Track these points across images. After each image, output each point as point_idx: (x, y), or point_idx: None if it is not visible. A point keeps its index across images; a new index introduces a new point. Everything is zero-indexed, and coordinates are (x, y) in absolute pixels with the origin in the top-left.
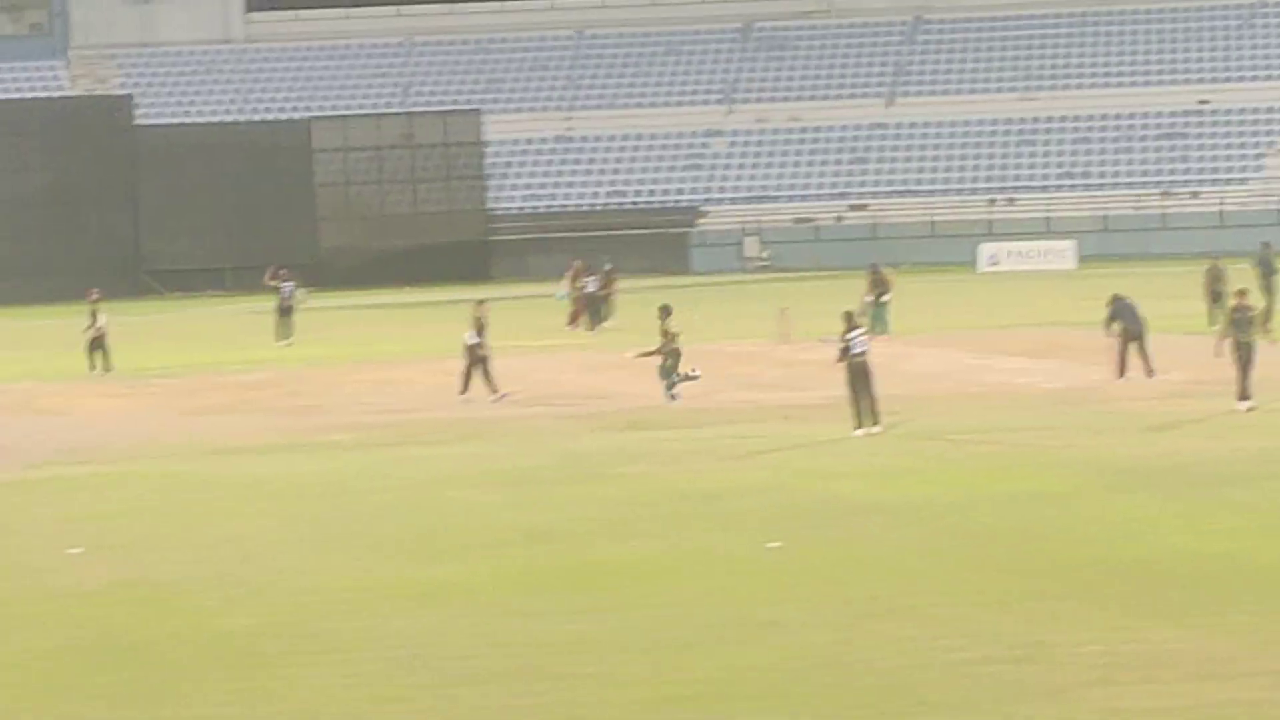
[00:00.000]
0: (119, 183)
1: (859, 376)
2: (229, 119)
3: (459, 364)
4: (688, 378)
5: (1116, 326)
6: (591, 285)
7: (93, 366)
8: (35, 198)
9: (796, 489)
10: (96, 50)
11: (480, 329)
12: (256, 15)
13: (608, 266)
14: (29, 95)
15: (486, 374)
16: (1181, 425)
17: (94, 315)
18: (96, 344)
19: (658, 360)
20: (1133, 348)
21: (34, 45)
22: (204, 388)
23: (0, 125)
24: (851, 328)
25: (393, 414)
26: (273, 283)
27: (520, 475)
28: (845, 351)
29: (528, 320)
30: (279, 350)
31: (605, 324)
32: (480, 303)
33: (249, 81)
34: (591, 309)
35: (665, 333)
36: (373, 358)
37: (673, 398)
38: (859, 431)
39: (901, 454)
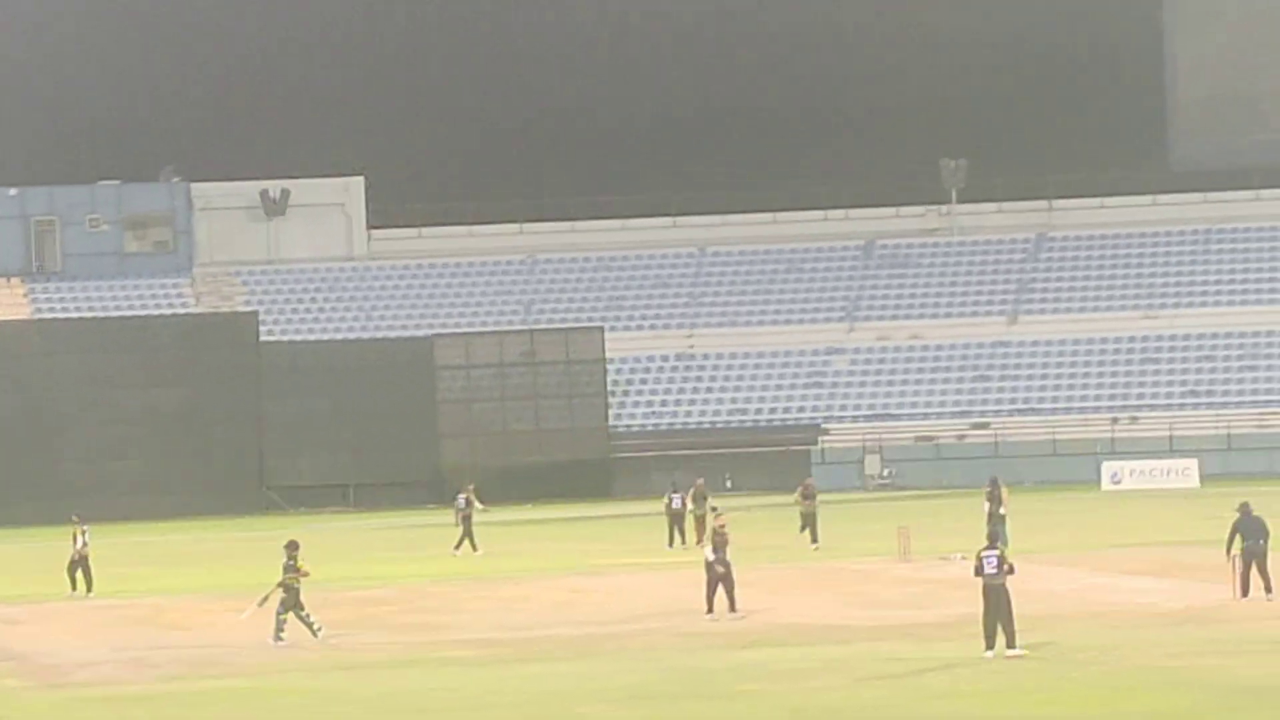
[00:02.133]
0: (243, 399)
1: (988, 596)
2: (352, 336)
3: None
4: (308, 624)
5: (1238, 545)
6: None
7: (74, 587)
8: (161, 414)
9: (915, 707)
10: (221, 267)
11: (718, 546)
12: (379, 233)
13: (809, 480)
14: (154, 312)
15: (728, 591)
16: None
17: (75, 537)
18: (77, 565)
19: (279, 595)
20: (1254, 565)
21: (159, 262)
22: (329, 603)
23: (127, 342)
24: (988, 547)
25: (517, 630)
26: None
27: (644, 691)
28: (978, 570)
29: (649, 537)
30: (461, 559)
31: (818, 545)
32: (717, 516)
33: (372, 298)
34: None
35: (287, 568)
36: (494, 575)
37: (279, 639)
38: (989, 653)
39: (1023, 673)
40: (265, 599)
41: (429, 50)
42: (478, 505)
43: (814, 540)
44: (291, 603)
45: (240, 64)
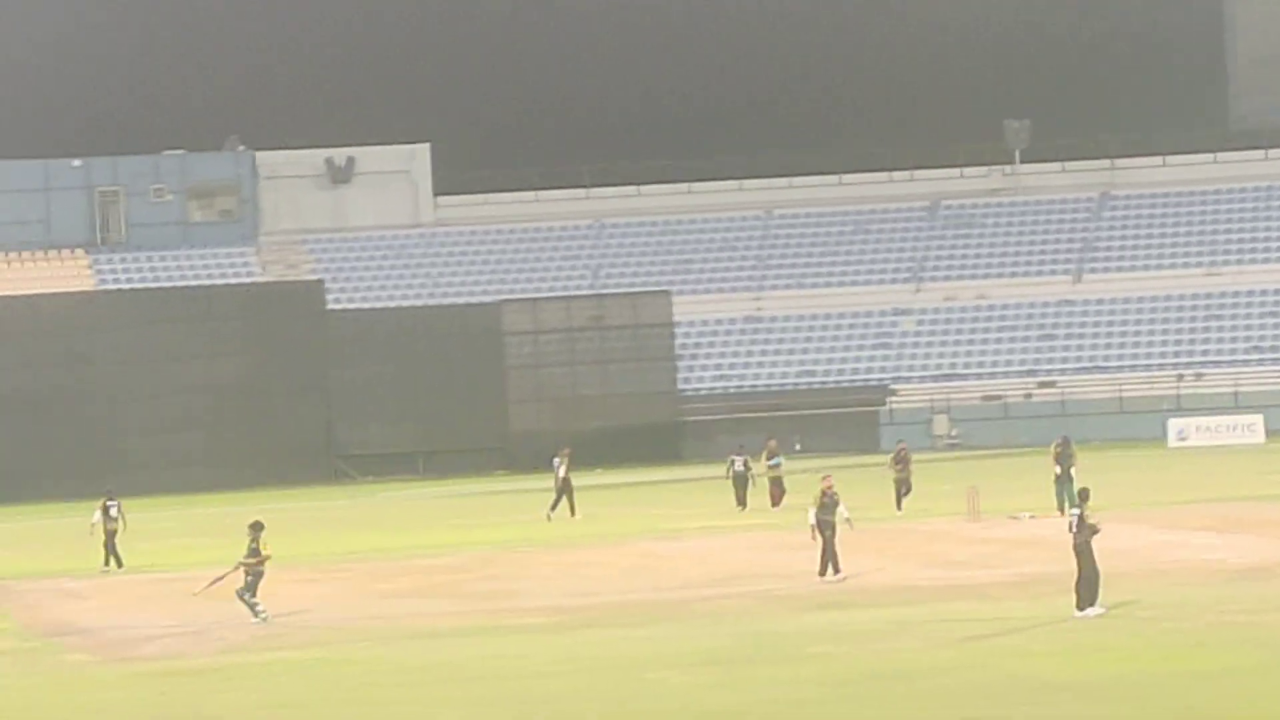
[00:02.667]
0: (311, 368)
1: (1075, 556)
2: (419, 303)
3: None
4: (253, 608)
5: None
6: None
7: (107, 563)
8: (228, 384)
9: (988, 667)
10: (287, 236)
11: (826, 507)
12: (445, 199)
13: (902, 444)
14: (220, 281)
15: (830, 551)
16: None
17: (106, 511)
18: (110, 540)
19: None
20: None
21: (225, 231)
22: (398, 572)
23: (193, 311)
24: (1075, 507)
25: (586, 596)
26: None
27: (715, 656)
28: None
29: (718, 501)
30: (580, 523)
31: (904, 506)
32: (824, 477)
33: (439, 265)
34: (776, 487)
35: (251, 550)
36: (565, 540)
37: (257, 614)
38: (1078, 613)
39: (1092, 631)
40: (221, 579)
41: (494, 16)
42: (559, 473)
43: (899, 507)
44: (254, 585)
45: (305, 32)
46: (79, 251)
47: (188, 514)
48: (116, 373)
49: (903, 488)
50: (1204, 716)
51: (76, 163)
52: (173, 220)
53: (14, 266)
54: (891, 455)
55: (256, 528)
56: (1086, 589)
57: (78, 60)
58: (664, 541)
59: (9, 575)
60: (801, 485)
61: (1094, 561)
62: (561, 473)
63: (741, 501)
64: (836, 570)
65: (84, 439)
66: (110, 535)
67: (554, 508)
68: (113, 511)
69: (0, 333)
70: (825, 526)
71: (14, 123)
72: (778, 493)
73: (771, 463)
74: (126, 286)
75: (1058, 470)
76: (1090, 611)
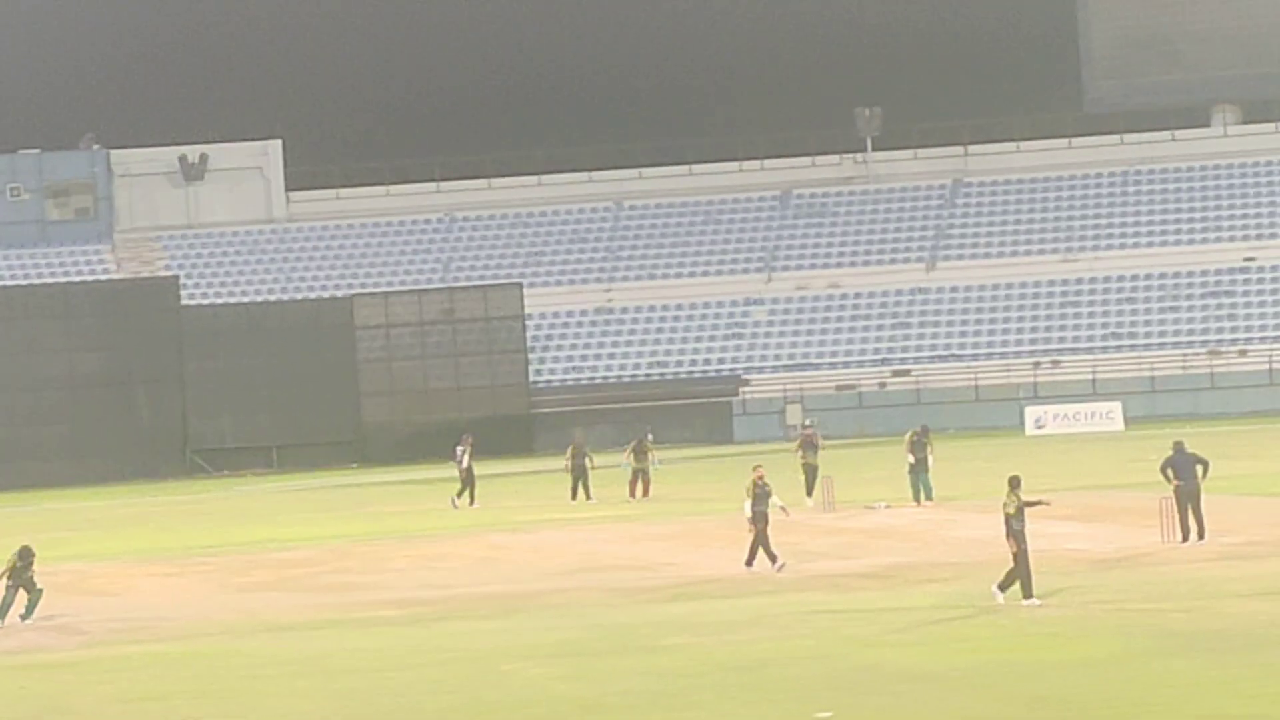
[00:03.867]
0: (166, 363)
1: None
2: (273, 298)
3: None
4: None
5: (1174, 482)
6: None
7: None
8: (83, 380)
9: (843, 658)
10: (141, 233)
11: (758, 498)
12: (298, 195)
13: (808, 427)
14: (76, 279)
15: (762, 544)
16: (1234, 588)
17: None
18: None
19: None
20: (1190, 507)
21: (80, 229)
22: (253, 565)
23: (48, 309)
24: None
25: (440, 589)
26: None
27: (569, 647)
28: None
29: (570, 493)
30: (460, 513)
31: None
32: (755, 468)
33: (292, 260)
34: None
35: (24, 575)
36: (418, 533)
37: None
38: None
39: (949, 621)
40: None
41: (344, 11)
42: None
43: (809, 493)
44: (32, 607)
45: (158, 30)
46: None
47: (44, 508)
48: None
49: (811, 475)
50: (1058, 706)
51: None
52: (29, 219)
53: None
54: (798, 441)
55: (28, 555)
56: (1010, 578)
57: None
58: (517, 534)
59: None
60: (656, 477)
61: (1022, 551)
62: (465, 462)
63: (574, 494)
64: (773, 560)
65: None
66: None
67: (459, 495)
68: None
69: None
70: (760, 518)
71: None
72: (645, 485)
73: (636, 460)
74: None
75: (911, 460)
76: (1031, 601)
